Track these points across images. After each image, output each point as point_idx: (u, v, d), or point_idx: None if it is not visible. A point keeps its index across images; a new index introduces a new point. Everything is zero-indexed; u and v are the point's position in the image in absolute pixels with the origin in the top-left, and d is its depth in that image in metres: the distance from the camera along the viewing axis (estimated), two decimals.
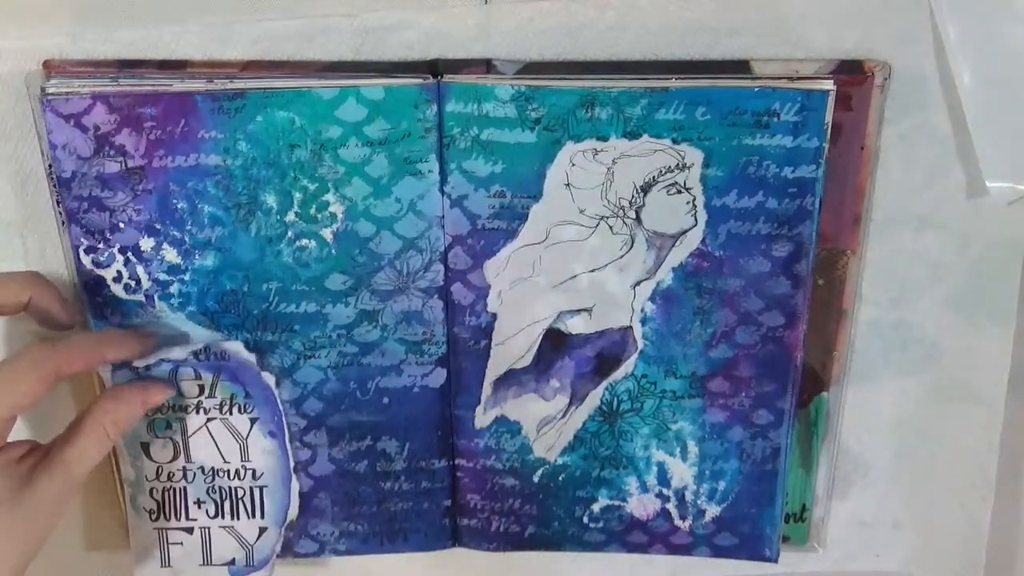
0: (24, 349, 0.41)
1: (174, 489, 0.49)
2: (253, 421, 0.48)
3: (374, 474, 0.49)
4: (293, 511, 0.49)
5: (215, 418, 0.47)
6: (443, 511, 0.50)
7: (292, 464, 0.48)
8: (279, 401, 0.47)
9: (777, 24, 0.43)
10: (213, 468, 0.48)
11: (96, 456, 0.42)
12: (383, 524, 0.50)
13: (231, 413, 0.47)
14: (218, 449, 0.48)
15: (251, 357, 0.46)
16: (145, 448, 0.48)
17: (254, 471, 0.48)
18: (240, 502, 0.49)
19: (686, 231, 0.44)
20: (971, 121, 0.43)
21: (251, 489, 0.49)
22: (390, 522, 0.50)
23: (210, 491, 0.49)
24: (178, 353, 0.46)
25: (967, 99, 0.43)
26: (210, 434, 0.48)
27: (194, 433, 0.48)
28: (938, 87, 0.44)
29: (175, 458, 0.48)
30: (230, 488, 0.49)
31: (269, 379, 0.47)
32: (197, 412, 0.47)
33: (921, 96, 0.44)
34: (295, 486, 0.49)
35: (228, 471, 0.48)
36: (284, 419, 0.47)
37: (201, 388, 0.47)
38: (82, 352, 0.42)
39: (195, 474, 0.48)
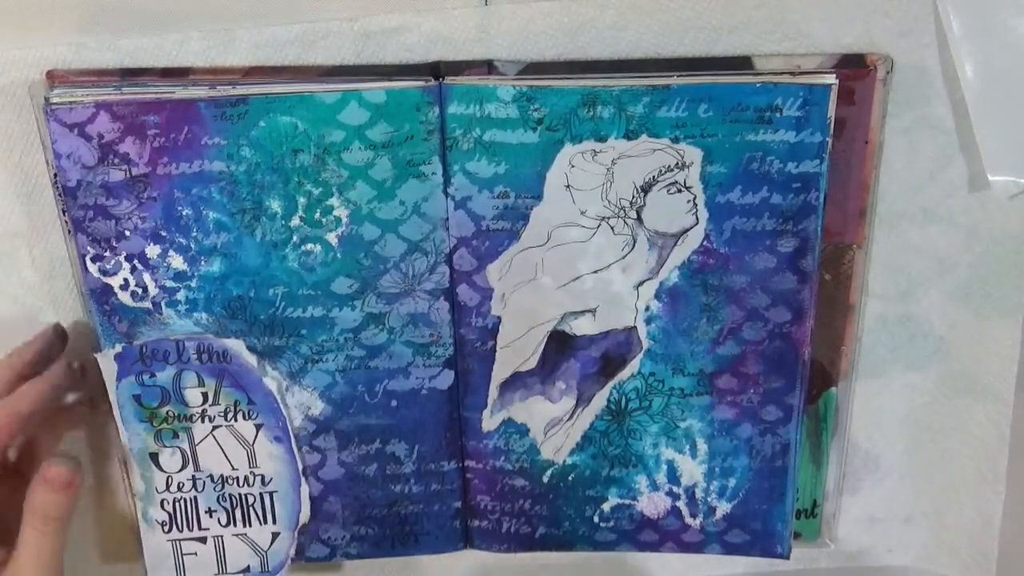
0: None
1: (184, 499, 0.49)
2: (258, 427, 0.48)
3: (384, 477, 0.49)
4: (305, 514, 0.49)
5: (220, 425, 0.47)
6: (454, 513, 0.50)
7: (300, 467, 0.48)
8: (282, 406, 0.47)
9: (778, 19, 0.43)
10: (222, 476, 0.48)
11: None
12: (394, 527, 0.50)
13: (236, 420, 0.47)
14: (226, 456, 0.48)
15: (252, 359, 0.46)
16: (154, 459, 0.48)
17: (263, 477, 0.48)
18: (251, 508, 0.49)
19: (687, 230, 0.44)
20: (974, 115, 0.43)
21: (261, 495, 0.49)
22: (401, 525, 0.50)
23: (220, 499, 0.49)
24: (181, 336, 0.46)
25: (970, 92, 0.43)
26: (217, 442, 0.48)
27: (201, 442, 0.48)
28: (940, 80, 0.44)
29: (184, 467, 0.48)
30: (240, 495, 0.49)
31: (271, 384, 0.47)
32: (202, 421, 0.47)
33: (924, 89, 0.44)
34: (305, 489, 0.49)
35: (237, 478, 0.48)
36: (289, 424, 0.47)
37: (205, 396, 0.47)
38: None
39: (204, 483, 0.48)
